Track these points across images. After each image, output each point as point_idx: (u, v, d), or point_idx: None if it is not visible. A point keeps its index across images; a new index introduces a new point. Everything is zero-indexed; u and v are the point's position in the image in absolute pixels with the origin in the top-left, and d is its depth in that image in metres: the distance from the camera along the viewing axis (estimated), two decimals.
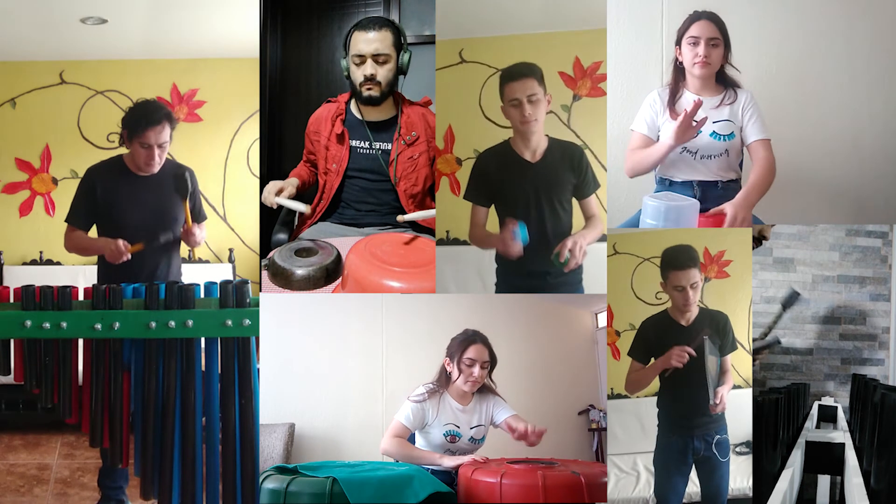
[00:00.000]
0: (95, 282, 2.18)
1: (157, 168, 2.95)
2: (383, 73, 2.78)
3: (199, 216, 3.10)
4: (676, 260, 2.58)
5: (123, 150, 2.99)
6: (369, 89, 2.79)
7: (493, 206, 2.59)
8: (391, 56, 2.78)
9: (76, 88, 4.34)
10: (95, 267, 3.05)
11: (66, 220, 3.04)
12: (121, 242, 2.88)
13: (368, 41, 2.76)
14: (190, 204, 3.01)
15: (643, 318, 2.70)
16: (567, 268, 2.44)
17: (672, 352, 2.54)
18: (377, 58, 2.76)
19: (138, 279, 2.71)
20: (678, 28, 2.68)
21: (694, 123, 2.57)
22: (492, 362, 2.57)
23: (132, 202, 2.95)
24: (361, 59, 2.77)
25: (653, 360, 2.62)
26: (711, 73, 2.66)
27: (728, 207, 2.57)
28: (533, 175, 2.55)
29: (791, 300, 3.71)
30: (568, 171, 2.56)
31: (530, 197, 2.54)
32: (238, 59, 4.30)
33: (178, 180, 2.97)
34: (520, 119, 2.50)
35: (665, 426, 2.64)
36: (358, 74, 2.79)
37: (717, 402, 2.55)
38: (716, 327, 2.61)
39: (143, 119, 2.89)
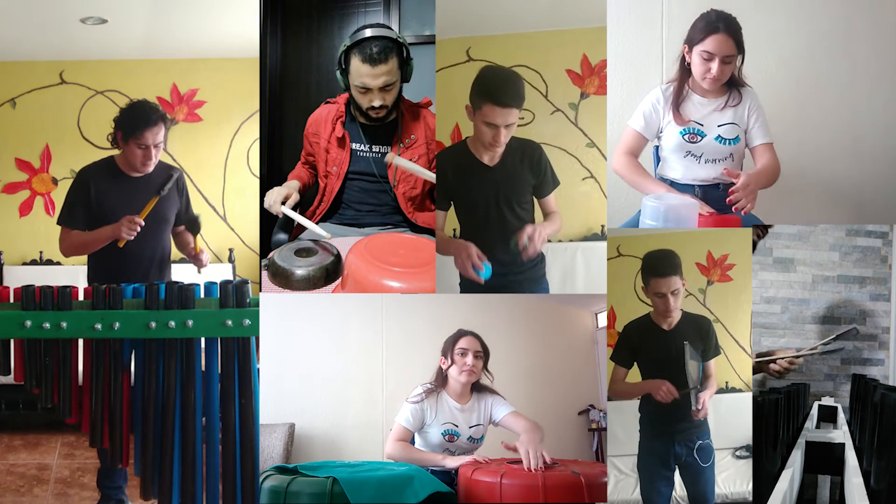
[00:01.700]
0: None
1: (152, 168, 2.97)
2: (391, 97, 2.72)
3: (194, 226, 3.12)
4: (657, 267, 2.55)
5: (115, 151, 3.01)
6: (378, 114, 2.74)
7: (452, 208, 2.56)
8: (398, 78, 2.72)
9: (76, 88, 4.34)
10: None
11: (58, 223, 3.01)
12: (128, 216, 2.88)
13: (375, 76, 2.65)
14: (182, 206, 3.04)
15: None
16: (525, 255, 2.41)
17: (662, 386, 2.51)
18: (385, 87, 2.69)
19: (133, 278, 2.72)
20: (691, 26, 2.60)
21: None
22: (485, 353, 2.59)
23: (125, 203, 2.95)
24: (368, 90, 2.69)
25: (636, 364, 2.62)
26: (720, 85, 2.63)
27: (742, 174, 2.55)
28: (492, 178, 2.49)
29: (848, 335, 3.72)
30: (527, 171, 2.51)
31: (490, 199, 2.49)
32: (238, 59, 4.30)
33: (176, 182, 3.00)
34: (489, 140, 2.40)
35: (647, 431, 2.63)
36: (364, 101, 2.71)
37: (700, 407, 2.52)
38: (698, 332, 2.59)
39: (141, 120, 2.91)
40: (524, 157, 2.51)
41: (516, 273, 2.52)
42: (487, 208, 2.49)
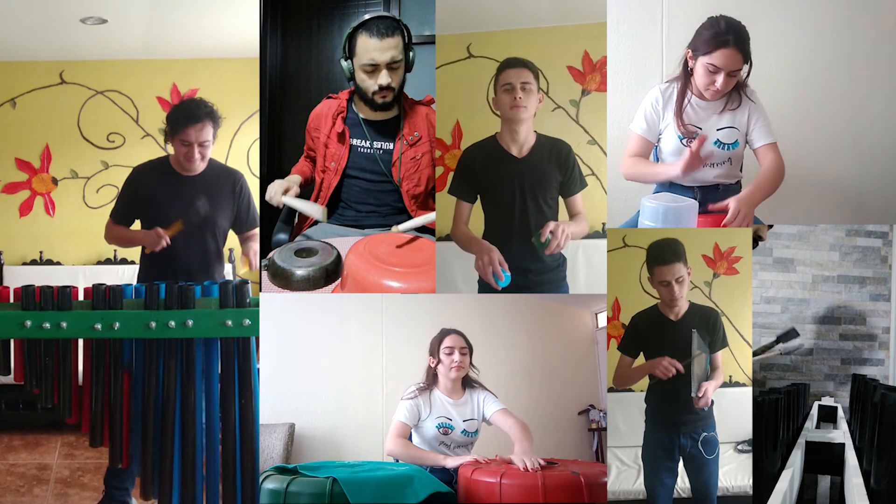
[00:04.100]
0: (99, 281, 2.18)
1: (198, 167, 2.99)
2: (397, 78, 2.72)
3: (252, 223, 3.13)
4: (661, 255, 2.57)
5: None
6: (384, 97, 2.73)
7: (479, 200, 2.59)
8: (403, 59, 2.72)
9: (76, 88, 4.34)
10: (96, 266, 3.08)
11: (109, 217, 3.11)
12: (158, 230, 2.94)
13: (383, 49, 2.65)
14: (236, 210, 3.06)
15: None
16: (548, 250, 2.43)
17: (661, 362, 2.52)
18: (392, 65, 2.68)
19: (177, 275, 2.75)
20: (697, 32, 2.54)
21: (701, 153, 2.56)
22: (469, 348, 2.64)
23: (173, 200, 2.98)
24: (375, 67, 2.68)
25: (642, 355, 2.63)
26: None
27: (732, 201, 2.54)
28: (519, 170, 2.54)
29: (788, 336, 3.72)
30: (554, 168, 2.56)
31: (515, 192, 2.54)
32: (238, 59, 4.30)
33: (232, 185, 3.03)
34: (510, 103, 2.48)
35: (652, 422, 2.65)
36: (371, 83, 2.71)
37: (700, 395, 2.51)
38: (706, 323, 2.60)
39: (185, 117, 2.93)
40: (552, 153, 2.57)
41: (538, 274, 2.55)
42: (513, 200, 2.53)
